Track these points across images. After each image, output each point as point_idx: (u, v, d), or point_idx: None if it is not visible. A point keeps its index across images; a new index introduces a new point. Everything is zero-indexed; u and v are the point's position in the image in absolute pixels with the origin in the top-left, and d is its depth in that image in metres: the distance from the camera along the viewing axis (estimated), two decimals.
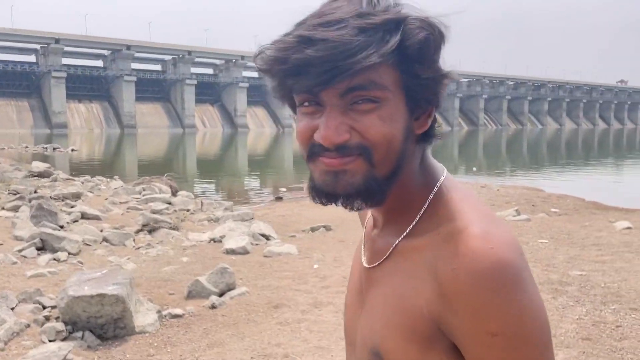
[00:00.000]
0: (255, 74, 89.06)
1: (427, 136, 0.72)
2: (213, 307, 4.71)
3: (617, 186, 18.81)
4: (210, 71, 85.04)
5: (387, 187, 0.70)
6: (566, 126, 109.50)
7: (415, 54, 0.65)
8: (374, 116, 0.65)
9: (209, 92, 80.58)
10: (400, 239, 0.72)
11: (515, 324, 0.61)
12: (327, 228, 8.31)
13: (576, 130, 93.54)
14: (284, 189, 15.30)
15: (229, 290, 5.10)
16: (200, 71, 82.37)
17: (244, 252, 6.57)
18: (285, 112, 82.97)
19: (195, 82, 75.47)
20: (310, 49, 0.62)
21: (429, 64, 0.66)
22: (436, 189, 0.72)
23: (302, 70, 0.63)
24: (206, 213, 9.78)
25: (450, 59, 0.69)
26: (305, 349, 3.72)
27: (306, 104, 0.68)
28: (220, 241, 7.20)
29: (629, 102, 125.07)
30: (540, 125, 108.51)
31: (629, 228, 8.08)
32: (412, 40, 0.64)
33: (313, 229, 8.29)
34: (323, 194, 0.69)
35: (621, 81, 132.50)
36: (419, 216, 0.71)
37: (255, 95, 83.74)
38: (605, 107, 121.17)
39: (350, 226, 8.40)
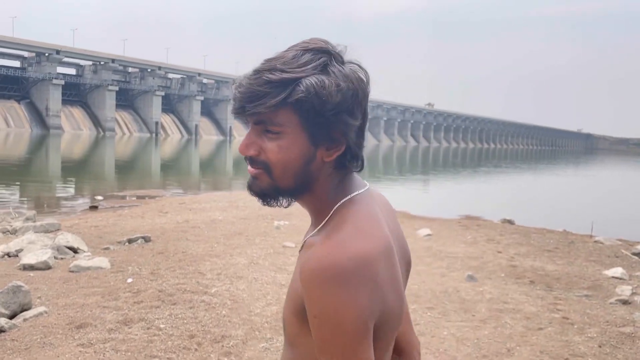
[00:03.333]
0: (72, 71, 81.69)
1: (340, 164, 0.93)
2: (1, 331, 4.10)
3: (423, 196, 21.07)
4: (17, 64, 75.45)
5: (292, 194, 0.94)
6: (383, 142, 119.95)
7: (303, 105, 0.87)
8: (274, 144, 0.90)
9: (15, 87, 71.36)
10: (308, 237, 0.96)
11: (329, 312, 0.82)
12: (147, 239, 7.83)
13: (391, 147, 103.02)
14: (100, 197, 14.14)
15: (23, 311, 4.49)
16: (4, 63, 72.63)
17: (45, 267, 5.86)
18: (108, 114, 77.29)
19: None
20: (238, 90, 0.90)
21: (317, 114, 0.87)
22: (339, 203, 0.93)
23: (234, 102, 0.91)
24: (1, 224, 8.56)
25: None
26: None
27: (245, 124, 0.94)
28: (17, 256, 6.34)
29: (434, 123, 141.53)
30: None
31: (429, 235, 9.06)
32: (296, 96, 0.86)
33: (130, 241, 7.74)
34: (248, 190, 0.96)
35: (429, 104, 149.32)
36: (324, 222, 0.93)
37: (73, 95, 76.49)
38: (416, 126, 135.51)
39: (171, 237, 8.05)
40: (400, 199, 16.68)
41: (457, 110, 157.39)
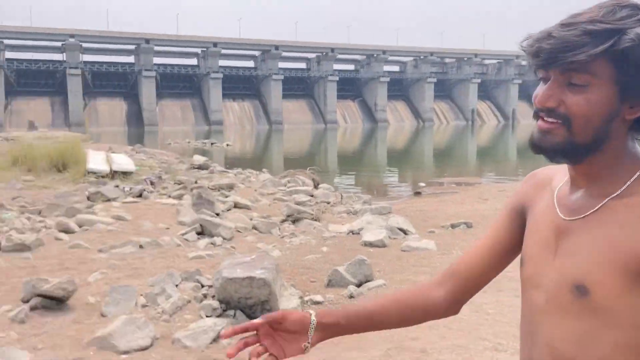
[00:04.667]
0: (396, 68, 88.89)
1: (637, 126, 0.90)
2: (351, 296, 4.86)
3: None
4: (351, 67, 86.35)
5: (585, 152, 0.91)
6: None
7: (629, 56, 0.84)
8: (580, 97, 0.87)
9: (350, 87, 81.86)
10: (609, 198, 0.91)
11: None
12: (468, 225, 8.05)
13: None
14: (422, 184, 15.10)
15: (367, 281, 5.22)
16: (341, 67, 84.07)
17: (382, 245, 6.65)
18: (427, 105, 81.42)
19: (337, 78, 77.04)
20: (545, 42, 0.88)
21: (638, 66, 0.84)
22: None
23: (538, 55, 0.89)
24: (345, 206, 10.04)
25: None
26: (443, 345, 3.69)
27: (541, 75, 0.93)
28: (359, 233, 7.36)
29: None
30: None
31: None
32: (622, 47, 0.84)
33: (453, 226, 8.09)
34: (533, 146, 0.94)
35: None
36: (629, 182, 0.90)
37: (396, 90, 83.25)
38: None
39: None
40: None
41: None
